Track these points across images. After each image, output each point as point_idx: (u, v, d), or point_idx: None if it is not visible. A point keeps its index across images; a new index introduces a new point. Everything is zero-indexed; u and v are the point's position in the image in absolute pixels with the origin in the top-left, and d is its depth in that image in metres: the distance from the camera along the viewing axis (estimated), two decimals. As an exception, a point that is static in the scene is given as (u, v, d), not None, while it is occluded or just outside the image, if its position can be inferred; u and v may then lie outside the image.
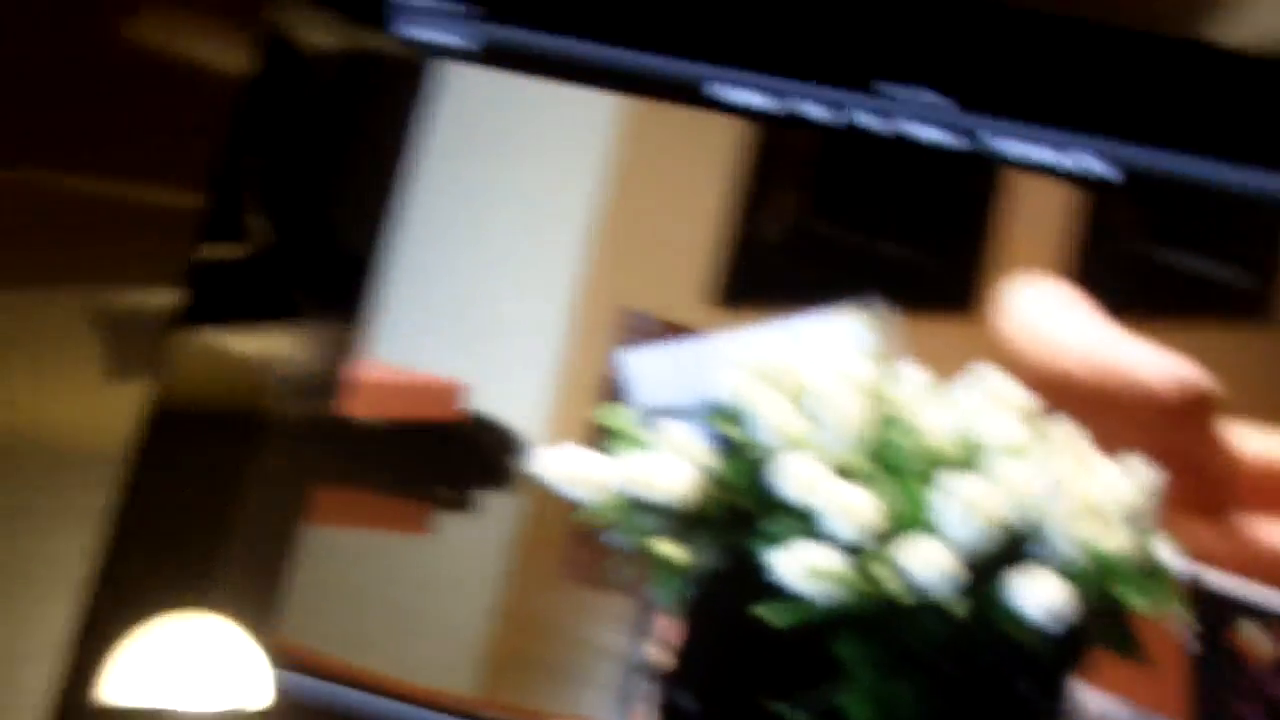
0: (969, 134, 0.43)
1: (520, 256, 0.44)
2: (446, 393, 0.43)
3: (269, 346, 0.44)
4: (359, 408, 0.43)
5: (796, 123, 0.44)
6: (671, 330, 0.43)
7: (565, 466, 0.41)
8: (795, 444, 0.40)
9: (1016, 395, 0.41)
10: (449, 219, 0.44)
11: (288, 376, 0.44)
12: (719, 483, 0.41)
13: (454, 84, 0.45)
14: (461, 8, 0.45)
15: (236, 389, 0.44)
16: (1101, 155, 0.43)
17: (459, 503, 0.42)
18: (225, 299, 0.45)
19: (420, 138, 0.45)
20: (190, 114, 0.50)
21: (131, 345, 0.50)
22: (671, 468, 0.41)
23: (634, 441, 0.42)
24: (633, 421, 0.42)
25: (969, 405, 0.41)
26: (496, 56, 0.45)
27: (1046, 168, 0.43)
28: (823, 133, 0.43)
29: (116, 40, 0.52)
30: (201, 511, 0.43)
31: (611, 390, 0.43)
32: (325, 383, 0.43)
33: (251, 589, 0.42)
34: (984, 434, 0.40)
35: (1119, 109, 0.43)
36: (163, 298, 0.49)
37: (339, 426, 0.43)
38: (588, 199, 0.44)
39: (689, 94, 0.44)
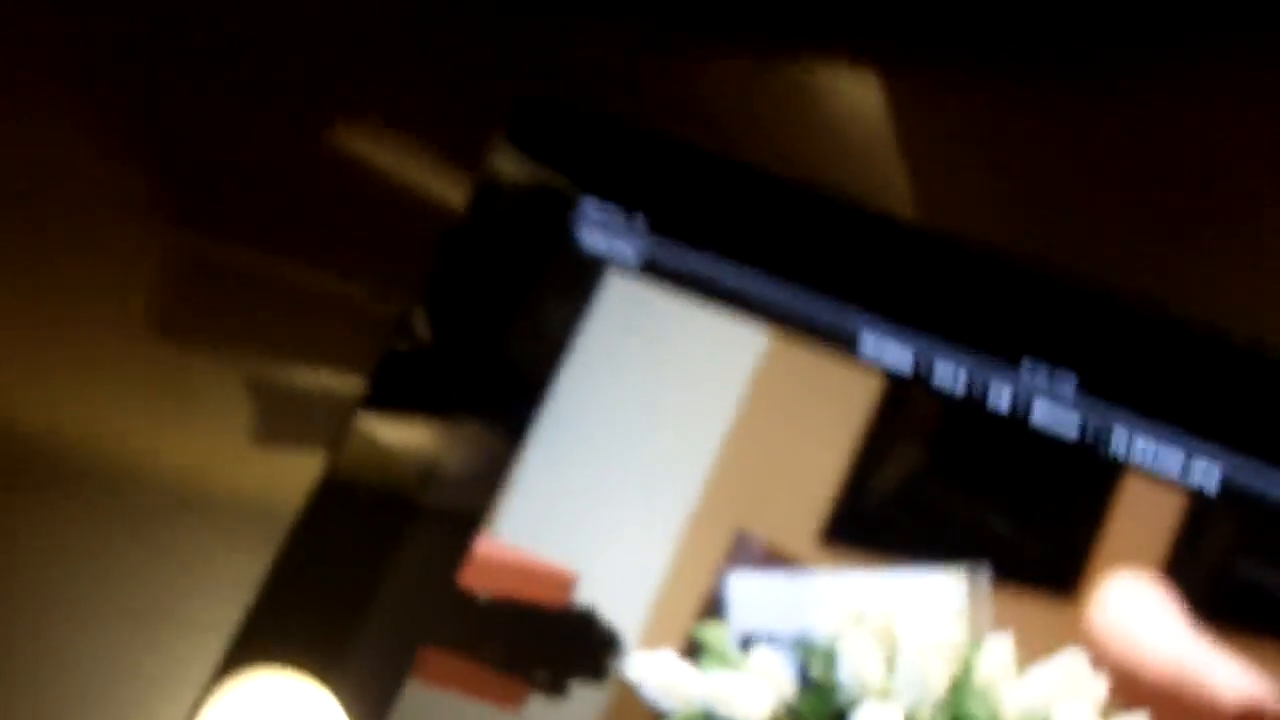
0: (1091, 425, 0.45)
1: (648, 463, 0.47)
2: (559, 581, 0.46)
3: (433, 448, 0.47)
4: (476, 580, 0.46)
5: (932, 387, 0.46)
6: (778, 559, 0.45)
7: (656, 672, 0.44)
8: (874, 692, 0.42)
9: (1093, 683, 0.42)
10: (591, 413, 0.47)
11: (445, 476, 0.47)
12: (796, 714, 0.43)
13: (623, 285, 0.48)
14: (630, 219, 0.48)
15: (398, 481, 0.47)
16: (1216, 466, 0.44)
17: (551, 687, 0.45)
18: (401, 398, 0.48)
19: (584, 325, 0.48)
20: (403, 230, 0.55)
21: (305, 424, 0.55)
22: (754, 691, 0.43)
23: (724, 660, 0.44)
24: (726, 640, 0.44)
25: (1047, 685, 0.43)
26: (657, 271, 0.48)
27: (1160, 471, 0.45)
28: (954, 401, 0.46)
29: (352, 151, 0.57)
30: (341, 597, 0.46)
31: (711, 606, 0.45)
32: (475, 493, 0.47)
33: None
34: (1055, 716, 0.42)
35: (1237, 423, 0.44)
36: (344, 384, 0.53)
37: (456, 594, 0.46)
38: (720, 420, 0.47)
39: (836, 338, 0.47)
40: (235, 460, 0.56)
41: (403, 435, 0.48)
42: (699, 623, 0.45)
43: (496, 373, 0.48)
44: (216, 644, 0.47)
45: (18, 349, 0.58)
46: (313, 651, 0.46)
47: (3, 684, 0.53)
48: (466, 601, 0.46)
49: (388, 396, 0.49)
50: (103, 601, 0.54)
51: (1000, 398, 0.46)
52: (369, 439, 0.48)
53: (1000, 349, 0.46)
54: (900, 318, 0.47)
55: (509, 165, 0.50)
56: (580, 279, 0.49)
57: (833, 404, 0.46)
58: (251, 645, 0.46)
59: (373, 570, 0.46)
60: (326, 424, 0.52)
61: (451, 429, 0.48)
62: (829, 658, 0.43)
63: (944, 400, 0.46)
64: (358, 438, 0.48)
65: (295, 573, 0.47)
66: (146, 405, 0.57)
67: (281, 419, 0.56)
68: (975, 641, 0.43)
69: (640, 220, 0.48)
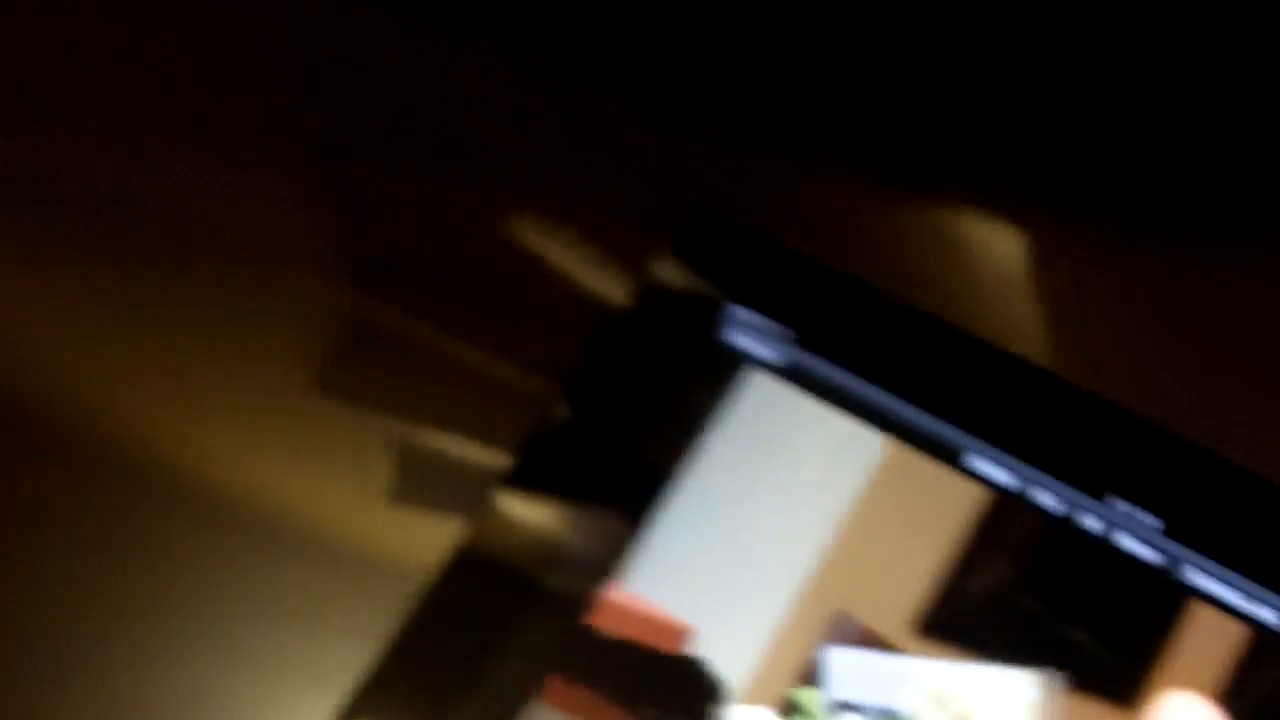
0: (1170, 559, 0.50)
1: (768, 540, 0.52)
2: (677, 631, 0.51)
3: (562, 528, 0.53)
4: (604, 620, 0.51)
5: (1030, 506, 0.51)
6: (873, 641, 0.51)
7: (753, 723, 0.49)
8: (947, 766, 0.47)
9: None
10: (724, 490, 0.53)
11: (568, 560, 0.52)
12: (875, 778, 0.48)
13: (763, 383, 0.54)
14: (776, 328, 0.54)
15: (525, 556, 0.52)
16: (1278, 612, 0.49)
17: (659, 725, 0.50)
18: (540, 478, 0.54)
19: (724, 414, 0.54)
20: (562, 319, 0.60)
21: (443, 490, 0.59)
22: (839, 753, 0.48)
23: (815, 721, 0.49)
24: (819, 705, 0.49)
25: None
26: (797, 377, 0.54)
27: (1226, 606, 0.50)
28: (1048, 520, 0.51)
29: (525, 239, 0.62)
30: (458, 661, 0.51)
31: (809, 674, 0.50)
32: (593, 577, 0.52)
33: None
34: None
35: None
36: (487, 457, 0.58)
37: (585, 629, 0.51)
38: (836, 512, 0.52)
39: (946, 455, 0.53)
40: (372, 516, 0.59)
41: (537, 514, 0.53)
42: (796, 686, 0.50)
43: (632, 464, 0.54)
44: (334, 693, 0.51)
45: (183, 382, 0.61)
46: (422, 709, 0.51)
47: (124, 709, 0.57)
48: (592, 637, 0.51)
49: (528, 476, 0.54)
50: (229, 638, 0.57)
51: (1089, 523, 0.51)
52: (505, 514, 0.54)
53: (1089, 485, 0.52)
54: (1003, 444, 0.52)
55: (671, 268, 0.56)
56: (724, 374, 0.54)
57: (938, 510, 0.52)
58: (368, 699, 0.51)
59: (491, 637, 0.52)
60: (464, 493, 0.57)
61: (582, 513, 0.53)
62: (909, 732, 0.48)
63: (1039, 518, 0.51)
64: (494, 512, 0.54)
65: (419, 633, 0.52)
66: (296, 454, 0.60)
67: (421, 483, 0.59)
68: (1042, 736, 0.48)
69: (784, 331, 0.54)
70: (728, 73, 0.63)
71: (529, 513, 0.53)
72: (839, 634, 0.51)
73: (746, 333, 0.55)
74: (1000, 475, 0.52)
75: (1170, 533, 0.51)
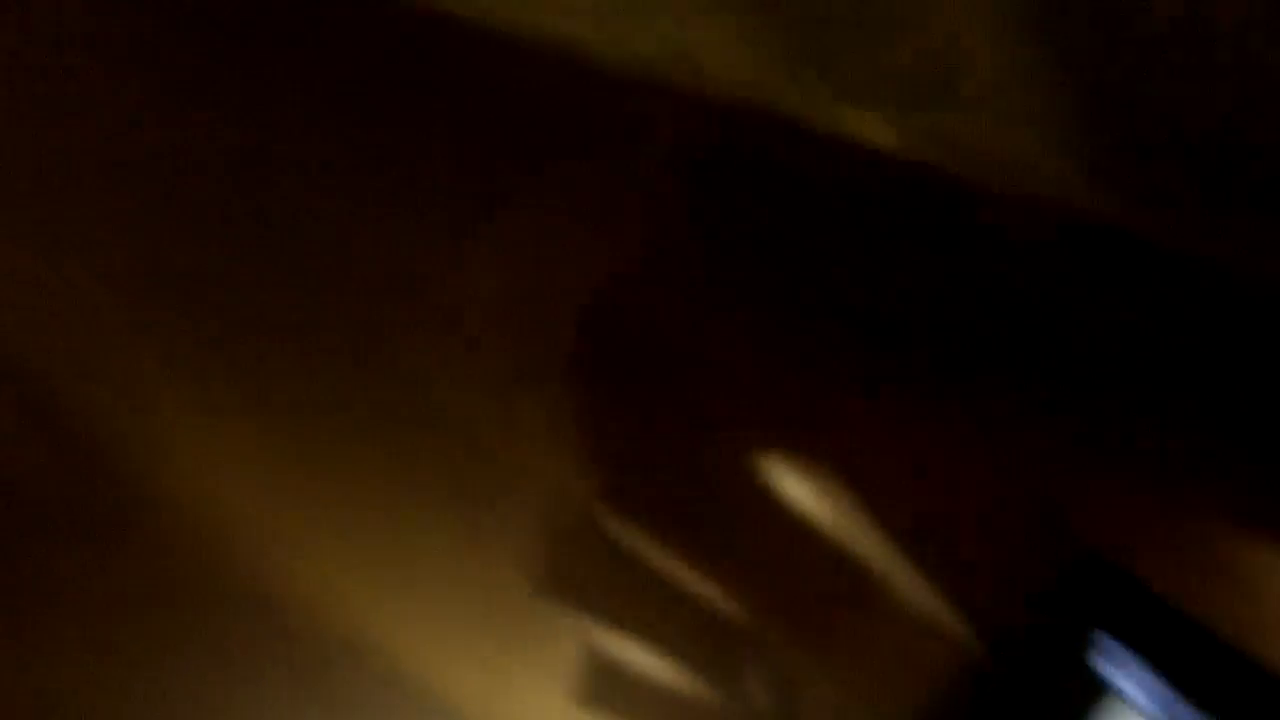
0: None
1: None
2: None
3: None
4: None
5: None
6: None
7: None
8: None
9: None
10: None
11: None
12: None
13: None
14: (1145, 669, 0.60)
15: None
16: None
17: None
18: None
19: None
20: (914, 668, 0.63)
21: None
22: None
23: None
24: None
25: None
26: (1163, 715, 0.59)
27: None
28: None
29: (883, 580, 0.66)
30: None
31: None
32: None
33: None
34: None
35: None
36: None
37: None
38: None
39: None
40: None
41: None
42: None
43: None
44: None
45: (389, 564, 0.63)
46: None
47: None
48: None
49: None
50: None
51: None
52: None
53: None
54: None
55: (1050, 603, 0.61)
56: (1090, 703, 0.60)
57: None
58: None
59: None
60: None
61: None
62: None
63: None
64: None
65: None
66: (494, 654, 0.62)
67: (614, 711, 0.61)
68: None
69: (1153, 672, 0.60)
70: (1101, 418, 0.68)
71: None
72: None
73: (1116, 667, 0.60)
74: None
75: None
